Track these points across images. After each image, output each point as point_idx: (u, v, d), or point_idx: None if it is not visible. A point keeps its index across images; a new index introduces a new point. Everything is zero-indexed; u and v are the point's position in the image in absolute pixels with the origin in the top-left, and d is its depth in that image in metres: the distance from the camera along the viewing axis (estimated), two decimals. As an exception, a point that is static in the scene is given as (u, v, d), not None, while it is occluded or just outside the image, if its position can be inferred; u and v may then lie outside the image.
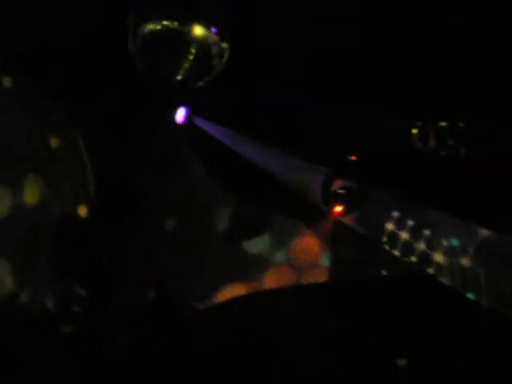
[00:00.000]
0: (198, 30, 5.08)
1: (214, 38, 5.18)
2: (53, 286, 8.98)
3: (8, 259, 8.93)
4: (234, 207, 9.45)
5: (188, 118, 8.87)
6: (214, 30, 5.18)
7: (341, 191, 8.29)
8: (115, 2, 5.73)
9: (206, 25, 5.12)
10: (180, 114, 8.78)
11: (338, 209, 8.65)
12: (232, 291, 9.31)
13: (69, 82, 8.32)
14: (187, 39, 5.04)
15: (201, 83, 5.61)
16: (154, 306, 8.77)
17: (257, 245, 9.35)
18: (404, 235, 8.62)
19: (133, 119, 8.95)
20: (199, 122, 8.99)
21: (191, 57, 5.11)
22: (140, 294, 8.97)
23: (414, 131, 7.82)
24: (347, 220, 8.64)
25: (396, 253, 8.58)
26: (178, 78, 5.35)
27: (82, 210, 9.35)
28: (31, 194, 9.10)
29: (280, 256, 9.41)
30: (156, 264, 9.33)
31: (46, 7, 7.21)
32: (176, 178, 9.32)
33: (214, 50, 5.28)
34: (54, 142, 9.22)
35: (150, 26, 5.02)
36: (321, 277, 9.07)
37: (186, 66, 5.19)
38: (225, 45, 5.30)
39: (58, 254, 9.27)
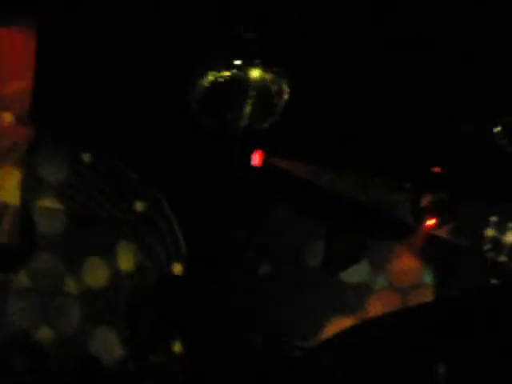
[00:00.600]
0: (255, 73, 5.11)
1: (271, 77, 5.20)
2: (156, 345, 9.12)
3: (114, 327, 9.19)
4: (325, 240, 9.35)
5: (264, 160, 8.90)
6: (270, 69, 5.21)
7: (430, 205, 8.05)
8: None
9: (263, 66, 5.15)
10: (256, 158, 8.83)
11: (431, 223, 8.40)
12: (337, 325, 9.13)
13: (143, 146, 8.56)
14: (245, 84, 5.08)
15: (266, 125, 5.63)
16: (261, 351, 8.72)
17: (355, 274, 9.18)
18: (507, 239, 8.23)
19: (213, 171, 9.06)
20: (276, 161, 9.01)
21: (251, 100, 5.15)
22: (246, 341, 8.94)
23: (497, 129, 7.52)
24: (443, 233, 8.36)
25: (502, 258, 8.19)
26: (243, 124, 5.39)
27: (177, 268, 9.50)
28: (126, 261, 9.35)
29: (381, 281, 9.19)
30: (257, 310, 9.30)
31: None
32: (263, 222, 9.33)
33: (273, 90, 5.29)
34: (139, 206, 9.46)
35: (208, 80, 5.09)
36: (426, 296, 8.77)
37: (248, 110, 5.22)
38: (283, 82, 5.30)
39: (159, 314, 9.44)
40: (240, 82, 5.07)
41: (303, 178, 9.13)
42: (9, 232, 6.96)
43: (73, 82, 7.56)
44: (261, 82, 5.17)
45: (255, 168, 8.91)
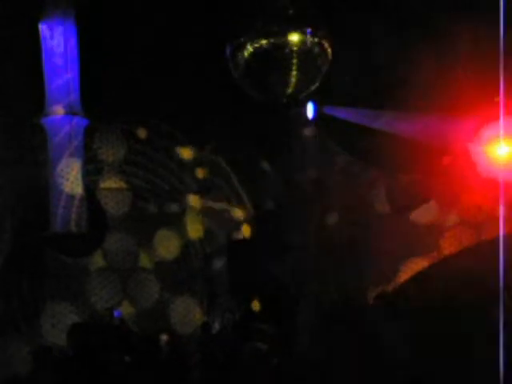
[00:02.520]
0: (295, 37, 5.01)
1: (312, 39, 5.10)
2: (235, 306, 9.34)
3: (191, 294, 9.48)
4: (389, 182, 9.26)
5: (319, 111, 8.81)
6: (309, 31, 5.09)
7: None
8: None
9: (301, 29, 5.04)
10: (309, 111, 8.75)
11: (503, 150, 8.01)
12: (413, 267, 9.12)
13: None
14: (287, 50, 4.99)
15: (314, 87, 5.54)
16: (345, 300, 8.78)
17: (425, 214, 9.07)
18: None
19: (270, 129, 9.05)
20: (329, 111, 8.91)
21: (296, 66, 5.06)
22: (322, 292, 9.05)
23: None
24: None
25: None
26: (289, 91, 5.33)
27: (245, 230, 9.66)
28: (194, 229, 9.57)
29: (453, 218, 9.06)
30: (329, 263, 9.38)
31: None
32: (326, 167, 9.31)
33: (316, 50, 5.18)
34: (200, 173, 9.60)
35: (248, 49, 5.03)
36: (500, 230, 8.59)
37: (294, 76, 5.15)
38: (325, 42, 5.18)
39: (234, 277, 9.66)
40: (281, 49, 5.00)
41: (360, 123, 9.00)
42: (77, 220, 7.21)
43: (118, 64, 7.64)
44: (302, 45, 5.07)
45: (311, 120, 8.85)
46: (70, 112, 7.15)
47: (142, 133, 9.12)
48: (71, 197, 7.10)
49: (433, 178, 8.93)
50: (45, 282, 8.21)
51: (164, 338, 8.24)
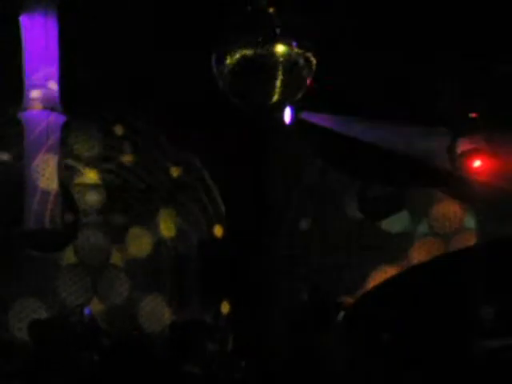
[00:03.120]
0: (280, 48, 5.09)
1: (297, 51, 5.18)
2: (206, 307, 9.40)
3: (161, 293, 9.50)
4: (363, 191, 9.40)
5: (295, 117, 8.89)
6: (295, 43, 5.18)
7: (468, 151, 7.99)
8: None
9: (287, 41, 5.12)
10: (287, 115, 8.83)
11: (476, 164, 8.22)
12: (382, 275, 9.26)
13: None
14: (272, 60, 5.07)
15: (297, 97, 5.64)
16: (311, 306, 8.89)
17: (397, 223, 9.25)
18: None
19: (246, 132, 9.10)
20: (307, 116, 8.99)
21: (280, 76, 5.14)
22: (295, 297, 9.15)
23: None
24: (486, 177, 8.31)
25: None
26: (273, 100, 5.40)
27: (218, 231, 9.70)
28: (167, 228, 9.59)
29: (423, 228, 9.26)
30: (302, 265, 9.49)
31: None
32: (300, 179, 9.42)
33: (301, 63, 5.27)
34: (174, 172, 9.61)
35: (233, 58, 5.09)
36: (469, 240, 8.82)
37: (278, 87, 5.22)
38: (309, 54, 5.27)
39: (205, 277, 9.70)
40: (266, 60, 5.07)
41: (335, 130, 9.11)
42: (51, 217, 7.19)
43: (98, 60, 7.62)
44: (287, 56, 5.16)
45: (287, 125, 8.92)
46: (48, 107, 7.10)
47: (118, 130, 9.10)
48: (46, 193, 7.07)
49: (405, 189, 9.10)
50: (13, 276, 8.16)
51: (134, 336, 8.28)
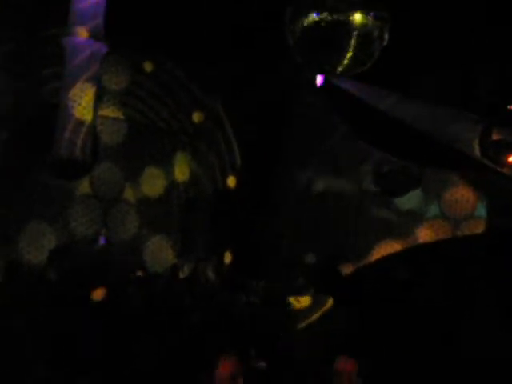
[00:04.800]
0: (358, 17, 5.05)
1: (374, 22, 5.15)
2: (210, 256, 9.53)
3: (167, 234, 9.62)
4: (380, 164, 9.50)
5: (327, 81, 8.90)
6: (373, 14, 5.14)
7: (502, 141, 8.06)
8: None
9: (365, 10, 5.08)
10: (318, 77, 8.84)
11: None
12: (386, 248, 9.46)
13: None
14: (347, 29, 5.03)
15: (363, 69, 5.62)
16: (312, 270, 9.08)
17: (409, 200, 9.38)
18: None
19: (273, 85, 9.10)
20: (339, 82, 9.01)
21: (352, 45, 5.12)
22: (297, 259, 9.31)
23: None
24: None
25: None
26: (340, 68, 5.40)
27: (231, 182, 9.78)
28: (181, 172, 9.64)
29: (433, 210, 9.40)
30: (308, 229, 9.63)
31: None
32: (320, 140, 9.48)
33: (375, 34, 5.24)
34: (196, 117, 9.62)
35: (309, 19, 5.06)
36: (478, 228, 9.01)
37: (348, 56, 5.21)
38: (385, 27, 5.22)
39: (212, 225, 9.83)
40: (341, 26, 5.03)
41: (365, 99, 9.14)
42: (82, 147, 7.20)
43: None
44: (364, 26, 5.13)
45: (318, 88, 8.94)
46: (93, 36, 7.03)
47: (148, 66, 9.04)
48: (80, 122, 7.05)
49: (423, 168, 9.22)
50: (28, 201, 8.19)
51: (139, 274, 8.41)
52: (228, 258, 9.79)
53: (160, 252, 9.41)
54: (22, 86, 7.65)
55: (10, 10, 7.29)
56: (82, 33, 7.01)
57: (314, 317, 6.45)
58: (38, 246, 8.07)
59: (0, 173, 7.74)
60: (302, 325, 6.36)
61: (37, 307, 6.15)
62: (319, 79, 8.85)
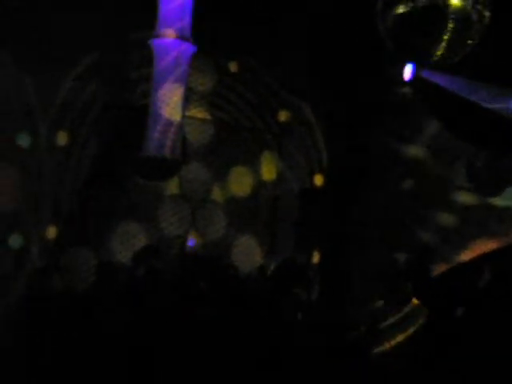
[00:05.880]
0: (456, 0, 4.83)
1: (473, 5, 4.90)
2: (296, 255, 9.50)
3: (255, 234, 9.65)
4: (474, 160, 9.21)
5: (415, 74, 8.71)
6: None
7: None
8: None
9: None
10: (407, 71, 8.66)
11: None
12: (481, 247, 9.15)
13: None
14: (443, 12, 4.84)
15: (460, 56, 5.38)
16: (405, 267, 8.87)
17: (504, 198, 9.04)
18: None
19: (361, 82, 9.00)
20: (428, 75, 8.79)
21: (449, 31, 4.91)
22: (388, 256, 9.14)
23: None
24: None
25: None
26: (436, 55, 5.21)
27: (318, 180, 9.73)
28: (269, 171, 9.67)
29: (532, 208, 9.03)
30: (397, 225, 9.44)
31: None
32: (409, 137, 9.28)
33: (474, 18, 5.00)
34: (282, 116, 9.62)
35: (402, 5, 4.91)
36: None
37: (445, 42, 5.01)
38: (485, 11, 4.98)
39: (300, 224, 9.80)
40: (438, 10, 4.84)
41: (456, 93, 8.88)
42: (171, 147, 7.33)
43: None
44: (461, 10, 4.90)
45: (407, 81, 8.76)
46: (181, 37, 7.15)
47: (233, 67, 9.12)
48: (169, 122, 7.19)
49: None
50: (120, 201, 8.40)
51: (229, 273, 8.46)
52: (316, 257, 9.74)
53: (248, 252, 9.46)
54: (112, 90, 7.87)
55: (98, 17, 7.51)
56: (169, 34, 7.15)
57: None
58: (128, 245, 8.26)
59: (92, 174, 7.99)
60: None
61: (127, 307, 6.26)
62: (409, 72, 8.68)
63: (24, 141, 7.33)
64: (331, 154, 9.77)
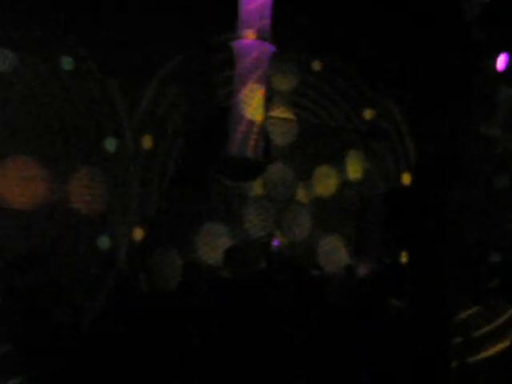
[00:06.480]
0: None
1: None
2: (382, 255, 9.32)
3: (341, 234, 9.55)
4: None
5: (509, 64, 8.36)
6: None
7: None
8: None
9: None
10: (501, 61, 8.32)
11: None
12: None
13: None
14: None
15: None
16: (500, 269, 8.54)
17: None
18: None
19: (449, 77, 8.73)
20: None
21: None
22: (480, 258, 8.84)
23: None
24: None
25: None
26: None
27: (406, 178, 9.51)
28: (354, 170, 9.54)
29: None
30: (492, 224, 9.11)
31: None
32: (501, 132, 8.93)
33: None
34: (368, 114, 9.47)
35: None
36: None
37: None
38: None
39: (387, 224, 9.60)
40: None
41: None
42: (254, 147, 7.35)
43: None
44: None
45: (500, 72, 8.43)
46: (261, 37, 7.16)
47: (316, 65, 9.05)
48: (251, 123, 7.21)
49: None
50: (205, 202, 8.50)
51: (314, 273, 8.39)
52: (404, 257, 9.53)
53: (334, 252, 9.36)
54: (196, 93, 7.98)
55: (180, 21, 7.63)
56: (249, 35, 7.17)
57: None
58: (213, 246, 8.34)
59: (177, 176, 8.12)
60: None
61: (213, 308, 6.31)
62: (502, 62, 8.36)
63: (111, 146, 7.53)
64: (419, 151, 9.54)
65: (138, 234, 7.68)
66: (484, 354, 4.98)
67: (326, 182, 9.30)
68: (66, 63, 7.07)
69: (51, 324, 5.41)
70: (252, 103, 7.27)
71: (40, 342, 5.06)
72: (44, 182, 7.17)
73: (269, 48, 7.35)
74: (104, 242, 7.24)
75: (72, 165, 7.47)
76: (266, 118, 8.84)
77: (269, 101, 8.97)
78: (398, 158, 9.59)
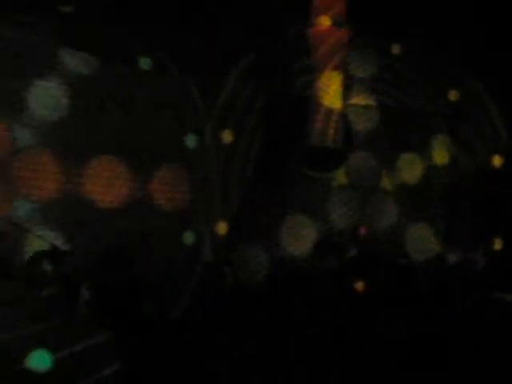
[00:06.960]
0: None
1: None
2: (478, 243, 8.99)
3: (429, 222, 9.30)
4: None
5: None
6: None
7: None
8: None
9: None
10: None
11: None
12: None
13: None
14: None
15: None
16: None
17: None
18: None
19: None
20: None
21: None
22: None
23: None
24: None
25: None
26: None
27: (497, 161, 9.16)
28: (441, 155, 9.27)
29: None
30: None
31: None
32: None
33: None
34: (453, 96, 9.16)
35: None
36: None
37: None
38: None
39: (478, 210, 9.27)
40: None
41: None
42: (333, 135, 7.25)
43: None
44: None
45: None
46: (336, 23, 7.06)
47: (395, 49, 8.83)
48: (330, 111, 7.11)
49: None
50: (288, 193, 8.47)
51: (403, 262, 8.21)
52: (498, 244, 9.18)
53: (422, 240, 9.13)
54: (274, 84, 7.96)
55: (254, 14, 7.61)
56: (324, 21, 7.07)
57: None
58: (298, 237, 8.30)
59: (259, 169, 8.13)
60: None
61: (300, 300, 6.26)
62: None
63: (192, 142, 7.61)
64: (510, 131, 9.18)
65: (222, 228, 7.74)
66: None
67: (411, 169, 9.08)
68: (144, 63, 7.19)
69: (142, 319, 5.54)
70: (330, 91, 7.17)
71: (131, 338, 5.17)
72: (128, 181, 7.33)
73: (345, 34, 7.23)
74: (189, 237, 7.32)
75: (155, 163, 7.60)
76: (346, 105, 8.70)
77: (347, 88, 8.83)
78: (487, 140, 9.24)
